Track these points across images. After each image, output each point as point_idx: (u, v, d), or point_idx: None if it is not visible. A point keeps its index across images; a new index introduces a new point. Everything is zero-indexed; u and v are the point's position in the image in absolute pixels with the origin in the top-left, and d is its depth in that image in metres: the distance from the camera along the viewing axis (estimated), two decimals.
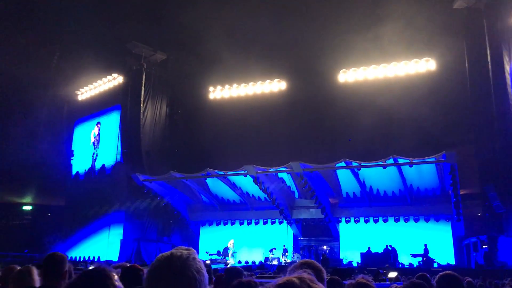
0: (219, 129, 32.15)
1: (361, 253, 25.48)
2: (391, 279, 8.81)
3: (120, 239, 30.87)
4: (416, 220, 26.85)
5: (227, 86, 34.48)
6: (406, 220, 27.06)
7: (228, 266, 23.59)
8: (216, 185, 29.90)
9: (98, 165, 36.04)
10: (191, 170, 28.29)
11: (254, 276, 12.23)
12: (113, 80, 36.67)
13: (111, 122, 35.95)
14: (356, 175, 25.76)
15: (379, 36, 27.02)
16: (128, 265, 4.33)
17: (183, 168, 29.03)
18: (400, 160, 23.25)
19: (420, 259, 24.64)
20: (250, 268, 23.02)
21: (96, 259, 30.32)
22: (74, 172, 37.99)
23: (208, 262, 26.19)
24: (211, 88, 34.84)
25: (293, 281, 1.72)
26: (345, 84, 30.53)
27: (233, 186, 29.20)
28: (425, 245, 24.68)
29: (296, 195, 29.48)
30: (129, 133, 32.96)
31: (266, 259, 27.32)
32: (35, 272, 4.34)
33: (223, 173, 27.27)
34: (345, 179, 26.73)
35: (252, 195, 29.95)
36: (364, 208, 28.05)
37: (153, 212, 31.52)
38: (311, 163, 24.88)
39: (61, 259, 4.12)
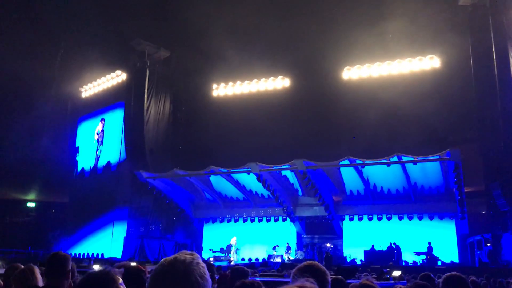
0: (223, 127, 32.14)
1: (365, 251, 25.46)
2: (394, 278, 8.77)
3: (123, 236, 30.94)
4: (420, 218, 26.79)
5: (230, 84, 34.45)
6: (410, 218, 26.99)
7: (232, 263, 23.62)
8: (219, 183, 29.91)
9: (102, 162, 36.11)
10: (195, 168, 28.30)
11: (257, 274, 12.24)
12: (117, 77, 36.69)
13: (115, 119, 35.99)
14: (360, 173, 25.70)
15: (383, 33, 26.91)
16: (132, 264, 4.32)
17: (186, 166, 29.04)
18: (404, 158, 23.16)
19: (424, 257, 24.60)
20: (254, 265, 23.07)
21: (99, 256, 30.40)
22: (79, 168, 38.08)
23: (211, 258, 26.30)
24: (214, 86, 34.83)
25: None
26: (349, 81, 30.45)
27: (236, 183, 29.20)
28: (429, 243, 24.64)
29: (300, 192, 29.44)
30: (132, 130, 32.98)
31: (270, 256, 27.34)
32: (37, 271, 4.33)
33: (226, 171, 27.27)
34: (349, 176, 26.68)
35: (256, 192, 29.95)
36: (368, 205, 28.01)
37: (157, 209, 31.59)
38: (314, 161, 24.83)
39: (64, 258, 4.11)
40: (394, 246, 24.93)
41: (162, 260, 1.88)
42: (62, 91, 38.53)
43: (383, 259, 23.62)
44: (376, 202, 27.82)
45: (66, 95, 39.51)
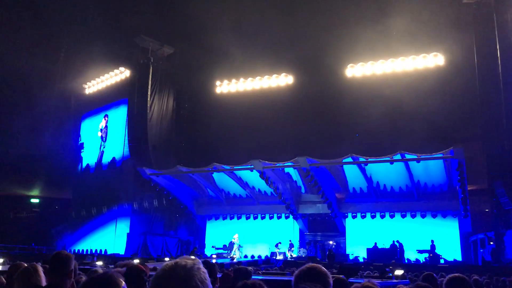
0: (226, 124, 32.14)
1: (367, 249, 25.45)
2: (397, 277, 8.76)
3: (126, 232, 31.03)
4: (423, 216, 26.75)
5: (234, 81, 34.44)
6: (413, 216, 26.97)
7: (234, 260, 23.66)
8: (222, 180, 29.94)
9: (106, 159, 36.23)
10: (198, 165, 28.33)
11: (260, 271, 12.26)
12: (120, 74, 36.76)
13: (119, 115, 36.07)
14: (363, 171, 25.67)
15: (387, 30, 26.82)
16: (135, 261, 4.33)
17: (189, 162, 29.08)
18: (408, 156, 23.13)
19: (426, 255, 24.57)
20: (256, 263, 23.12)
21: (103, 252, 30.53)
22: (84, 164, 38.18)
23: (214, 256, 26.36)
24: (218, 82, 34.83)
25: None
26: (353, 78, 30.39)
27: (239, 180, 29.22)
28: (432, 241, 24.60)
29: (303, 190, 29.44)
30: (136, 127, 33.04)
31: (272, 253, 27.36)
32: (41, 270, 4.34)
33: (229, 168, 27.28)
34: (352, 174, 26.65)
35: (259, 189, 29.97)
36: (371, 203, 27.98)
37: (160, 206, 31.66)
38: (317, 158, 24.82)
39: (66, 257, 4.11)
40: (397, 244, 24.91)
41: (164, 265, 1.88)
42: (65, 88, 38.65)
43: (386, 257, 23.59)
44: (379, 200, 27.80)
45: (70, 92, 39.63)
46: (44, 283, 4.19)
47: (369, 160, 24.10)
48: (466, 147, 22.44)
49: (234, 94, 34.28)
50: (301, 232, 30.21)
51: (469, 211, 24.88)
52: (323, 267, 2.67)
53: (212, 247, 29.77)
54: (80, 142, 38.76)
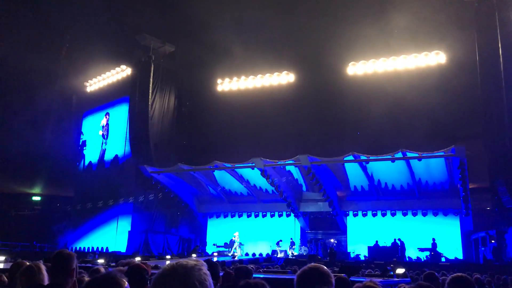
0: (227, 122, 32.14)
1: (369, 247, 25.49)
2: (398, 276, 8.76)
3: (128, 230, 31.09)
4: (424, 214, 26.76)
5: (235, 78, 34.41)
6: (414, 214, 26.97)
7: (236, 258, 23.69)
8: (223, 178, 29.96)
9: (108, 156, 36.28)
10: (199, 163, 28.35)
11: (261, 269, 12.27)
12: (122, 72, 36.78)
13: (120, 114, 36.09)
14: (364, 169, 25.68)
15: (388, 28, 26.78)
16: (136, 259, 4.34)
17: (190, 160, 29.10)
18: (409, 154, 23.12)
19: (428, 253, 24.58)
20: (258, 260, 23.15)
21: (104, 250, 30.58)
22: (87, 162, 38.24)
23: (215, 254, 26.40)
24: (219, 80, 34.81)
25: None
26: (354, 76, 30.33)
27: (240, 178, 29.24)
28: (433, 239, 24.62)
29: (304, 188, 29.47)
30: (137, 125, 33.06)
31: (274, 251, 27.40)
32: (44, 268, 4.34)
33: (230, 166, 27.30)
34: (353, 172, 26.65)
35: (260, 187, 29.99)
36: (372, 201, 28.00)
37: (161, 203, 31.70)
38: (319, 156, 24.81)
39: (68, 256, 4.11)
40: (398, 242, 24.92)
41: (166, 264, 1.90)
42: (67, 86, 38.70)
43: (387, 255, 23.64)
44: (380, 198, 27.81)
45: (71, 89, 39.68)
46: (46, 281, 4.20)
47: (370, 158, 24.11)
48: (468, 145, 22.41)
49: (235, 92, 34.26)
50: (302, 230, 30.25)
51: (470, 209, 24.88)
52: (325, 267, 2.66)
53: (214, 245, 29.82)
54: (82, 139, 38.77)
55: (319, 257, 24.46)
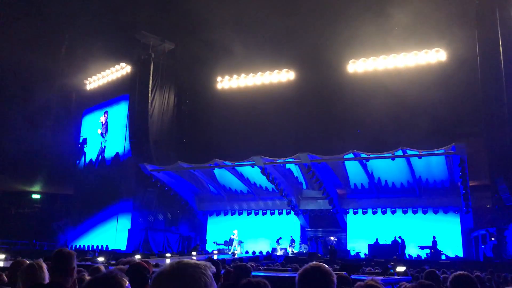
0: (227, 119, 32.11)
1: (369, 245, 25.47)
2: (399, 274, 8.75)
3: (128, 228, 31.08)
4: (425, 212, 26.74)
5: (235, 76, 34.37)
6: (415, 212, 26.95)
7: (236, 256, 23.69)
8: (223, 176, 29.95)
9: (107, 154, 36.25)
10: (199, 161, 28.33)
11: (261, 267, 12.26)
12: (121, 70, 36.72)
13: (119, 111, 36.05)
14: (364, 166, 25.65)
15: (389, 26, 26.70)
16: (136, 257, 4.32)
17: (190, 159, 29.08)
18: (409, 152, 23.09)
19: (428, 251, 24.58)
20: (258, 258, 23.16)
21: (104, 248, 30.59)
22: (87, 159, 38.22)
23: (215, 251, 26.41)
24: (219, 78, 34.78)
25: None
26: (355, 74, 30.30)
27: (240, 176, 29.22)
28: (434, 237, 24.61)
29: (304, 186, 29.44)
30: (137, 123, 33.03)
31: (274, 249, 27.41)
32: (45, 267, 4.32)
33: (230, 164, 27.28)
34: (353, 170, 26.62)
35: (260, 185, 29.97)
36: (372, 199, 27.97)
37: (161, 201, 31.70)
38: (319, 154, 24.80)
39: (68, 255, 4.10)
40: (399, 240, 24.92)
41: (166, 263, 1.87)
42: (66, 83, 38.62)
43: (387, 252, 23.60)
44: (380, 196, 27.79)
45: (71, 87, 39.61)
46: (47, 280, 4.18)
47: (370, 156, 24.08)
48: (468, 143, 22.43)
49: (235, 89, 34.22)
50: (302, 228, 30.25)
51: (470, 207, 24.86)
52: (326, 266, 2.64)
53: (214, 242, 29.83)
54: (83, 137, 38.75)
55: (319, 255, 24.45)
